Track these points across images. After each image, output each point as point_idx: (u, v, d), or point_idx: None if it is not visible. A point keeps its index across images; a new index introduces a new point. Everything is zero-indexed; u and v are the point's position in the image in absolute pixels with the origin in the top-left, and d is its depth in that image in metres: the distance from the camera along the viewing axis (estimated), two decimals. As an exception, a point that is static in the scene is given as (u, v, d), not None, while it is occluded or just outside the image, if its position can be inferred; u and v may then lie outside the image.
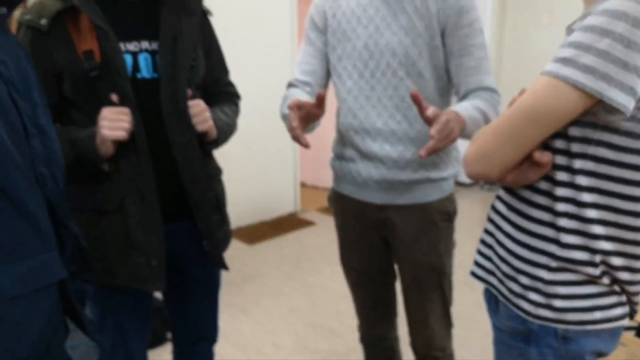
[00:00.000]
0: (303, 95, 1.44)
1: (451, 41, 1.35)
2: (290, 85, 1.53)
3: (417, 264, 1.50)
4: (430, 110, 1.13)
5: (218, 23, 1.52)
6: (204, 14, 1.41)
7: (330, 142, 1.62)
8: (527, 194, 0.96)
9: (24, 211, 0.85)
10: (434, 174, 1.45)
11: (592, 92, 0.80)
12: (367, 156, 1.45)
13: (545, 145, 0.91)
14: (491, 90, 1.37)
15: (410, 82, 1.37)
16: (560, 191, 0.91)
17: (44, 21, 1.18)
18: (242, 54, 3.74)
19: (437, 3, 1.33)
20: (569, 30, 0.90)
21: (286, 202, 4.40)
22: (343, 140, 1.52)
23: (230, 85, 1.55)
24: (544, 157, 0.89)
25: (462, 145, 1.26)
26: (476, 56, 1.34)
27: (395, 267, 1.61)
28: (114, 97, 1.21)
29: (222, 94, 1.51)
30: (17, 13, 1.16)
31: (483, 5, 4.77)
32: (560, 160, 0.90)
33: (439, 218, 1.48)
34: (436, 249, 1.48)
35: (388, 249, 1.57)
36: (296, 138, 1.20)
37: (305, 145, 1.20)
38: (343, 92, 1.47)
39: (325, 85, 1.54)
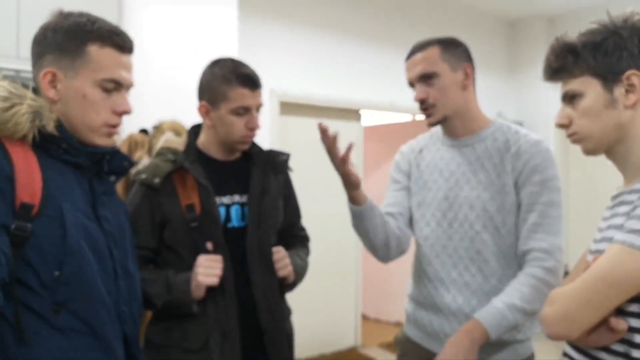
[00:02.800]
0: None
1: (521, 197, 1.36)
2: None
3: None
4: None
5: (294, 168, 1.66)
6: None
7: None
8: (603, 355, 0.96)
9: (105, 345, 0.97)
10: (507, 336, 1.37)
11: None
12: (439, 308, 1.44)
13: (620, 309, 0.93)
14: (547, 252, 1.30)
15: (486, 235, 1.38)
16: (639, 354, 0.91)
17: (157, 180, 1.37)
18: (309, 193, 3.92)
19: (512, 161, 1.37)
20: (615, 199, 1.00)
21: (347, 336, 4.29)
22: (418, 286, 1.53)
23: (303, 229, 1.67)
24: (620, 324, 0.92)
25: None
26: (542, 213, 1.33)
27: None
28: (210, 245, 1.34)
29: (295, 237, 1.63)
30: (131, 171, 1.35)
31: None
32: (636, 323, 0.91)
33: None
34: None
35: None
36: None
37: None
38: (420, 239, 1.51)
39: (409, 217, 1.56)
